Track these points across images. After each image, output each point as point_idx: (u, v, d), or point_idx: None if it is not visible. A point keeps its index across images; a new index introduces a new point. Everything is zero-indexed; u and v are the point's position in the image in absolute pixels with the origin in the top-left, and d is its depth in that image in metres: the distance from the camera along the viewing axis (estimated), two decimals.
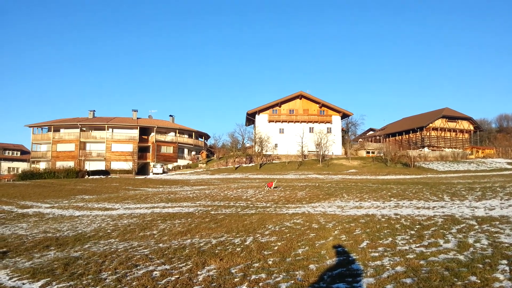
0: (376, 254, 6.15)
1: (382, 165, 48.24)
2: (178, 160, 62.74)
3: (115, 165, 57.65)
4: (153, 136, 61.40)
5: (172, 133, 64.47)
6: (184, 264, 6.69)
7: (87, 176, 48.70)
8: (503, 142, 64.20)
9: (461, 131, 69.74)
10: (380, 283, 4.77)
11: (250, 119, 65.80)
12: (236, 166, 52.51)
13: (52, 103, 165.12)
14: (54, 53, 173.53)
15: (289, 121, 62.04)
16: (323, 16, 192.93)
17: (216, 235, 9.40)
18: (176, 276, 5.94)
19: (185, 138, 66.06)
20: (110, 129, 60.61)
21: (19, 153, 74.15)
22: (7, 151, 72.09)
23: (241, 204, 15.59)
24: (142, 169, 57.87)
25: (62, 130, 60.97)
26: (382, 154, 54.97)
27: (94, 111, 66.27)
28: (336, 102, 67.19)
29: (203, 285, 5.39)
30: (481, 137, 74.44)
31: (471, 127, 70.64)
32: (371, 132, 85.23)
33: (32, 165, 59.15)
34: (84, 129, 60.38)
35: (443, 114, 68.24)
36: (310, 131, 59.80)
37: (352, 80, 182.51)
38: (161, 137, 62.42)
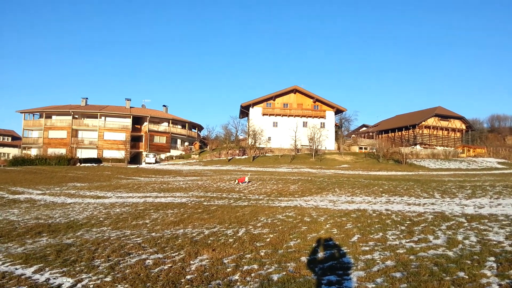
0: (367, 248, 6.24)
1: (375, 161, 48.53)
2: (171, 150, 62.60)
3: (107, 154, 57.43)
4: (146, 126, 61.12)
5: (166, 123, 64.22)
6: (177, 253, 6.74)
7: (79, 163, 48.39)
8: (494, 142, 65.01)
9: (453, 130, 70.33)
10: (370, 276, 4.85)
11: (244, 111, 65.66)
12: (229, 158, 52.52)
13: (44, 90, 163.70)
14: (49, 40, 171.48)
15: (283, 115, 62.00)
16: (320, 11, 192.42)
17: (209, 226, 9.45)
18: (169, 265, 5.99)
19: (178, 129, 65.86)
20: (103, 117, 60.22)
21: (9, 138, 73.38)
22: None
23: (234, 196, 15.65)
24: (135, 158, 57.66)
25: (54, 117, 60.44)
26: (374, 150, 55.22)
27: (87, 98, 65.67)
28: (331, 98, 67.45)
29: (195, 275, 5.44)
30: (473, 136, 75.15)
31: (463, 127, 71.24)
32: (364, 128, 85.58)
33: (23, 151, 58.63)
34: (77, 116, 59.92)
35: (436, 113, 68.71)
36: (303, 126, 59.87)
37: (347, 77, 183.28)
38: (154, 127, 62.18)
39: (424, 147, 63.12)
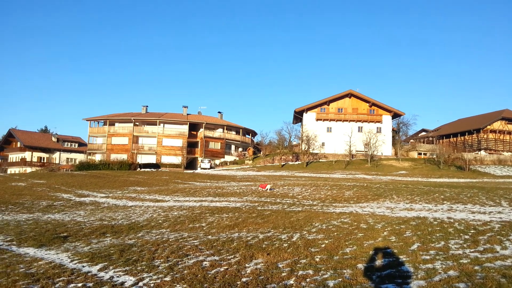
0: (428, 257, 5.98)
1: (435, 167, 46.27)
2: (225, 156, 63.76)
3: (165, 159, 59.75)
4: (201, 132, 62.83)
5: (220, 129, 65.62)
6: (232, 256, 6.87)
7: (139, 168, 50.82)
8: None
9: None
10: (431, 286, 4.65)
11: (298, 117, 65.50)
12: (282, 163, 52.50)
13: (108, 98, 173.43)
14: (112, 49, 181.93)
15: (337, 120, 61.01)
16: (380, 17, 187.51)
17: (263, 230, 9.53)
18: (225, 267, 6.13)
19: (232, 135, 67.02)
20: (162, 124, 62.80)
21: (76, 145, 78.43)
22: (66, 143, 76.47)
23: (288, 201, 15.64)
24: (191, 163, 59.48)
25: (116, 124, 64.08)
26: (434, 156, 52.68)
27: (147, 106, 68.90)
28: (387, 102, 64.95)
29: (251, 277, 5.52)
30: None
31: None
32: (423, 133, 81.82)
33: (89, 157, 62.57)
34: (137, 123, 62.99)
35: (503, 116, 64.13)
36: (359, 131, 58.59)
37: (405, 81, 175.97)
38: (209, 133, 63.74)
39: (489, 153, 59.19)
